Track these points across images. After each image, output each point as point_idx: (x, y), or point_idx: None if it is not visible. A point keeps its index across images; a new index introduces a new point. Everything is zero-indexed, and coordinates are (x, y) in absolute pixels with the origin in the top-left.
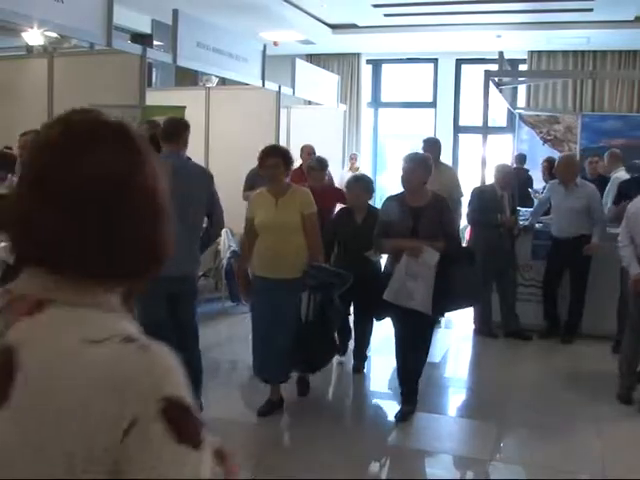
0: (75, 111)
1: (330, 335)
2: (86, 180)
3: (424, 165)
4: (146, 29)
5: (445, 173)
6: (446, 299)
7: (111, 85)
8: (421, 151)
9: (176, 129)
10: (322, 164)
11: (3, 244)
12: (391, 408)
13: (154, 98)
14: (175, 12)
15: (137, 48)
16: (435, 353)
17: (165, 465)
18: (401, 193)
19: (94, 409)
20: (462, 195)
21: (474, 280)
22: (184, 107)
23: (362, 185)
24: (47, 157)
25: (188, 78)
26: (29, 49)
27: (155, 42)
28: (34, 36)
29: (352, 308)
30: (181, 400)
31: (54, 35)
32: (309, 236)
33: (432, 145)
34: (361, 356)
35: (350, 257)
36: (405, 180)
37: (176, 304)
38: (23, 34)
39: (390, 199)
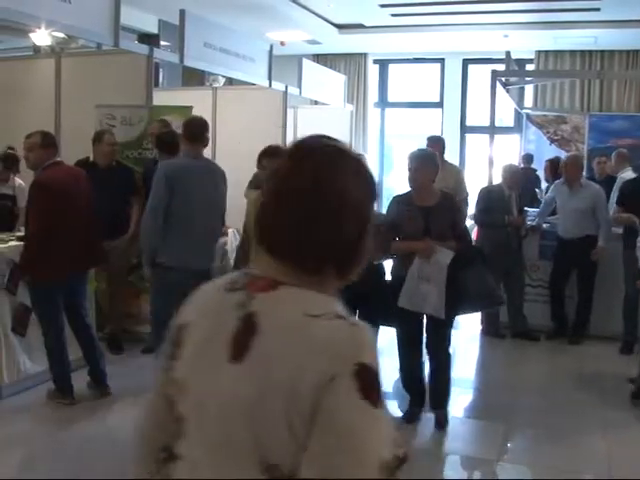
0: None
1: None
2: (335, 199)
3: (431, 162)
4: (153, 29)
5: (450, 172)
6: (461, 301)
7: (118, 85)
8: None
9: (201, 130)
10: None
11: (13, 243)
12: (399, 409)
13: (161, 98)
14: (182, 12)
15: (144, 48)
16: None
17: (348, 413)
18: (407, 192)
19: (308, 367)
20: (467, 195)
21: (489, 280)
22: (191, 107)
23: None
24: (309, 179)
25: (195, 78)
26: (37, 49)
27: (162, 42)
28: (42, 36)
29: (357, 315)
30: (372, 367)
31: (61, 35)
32: None
33: (436, 143)
34: None
35: None
36: (412, 179)
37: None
38: (31, 35)
39: (396, 199)
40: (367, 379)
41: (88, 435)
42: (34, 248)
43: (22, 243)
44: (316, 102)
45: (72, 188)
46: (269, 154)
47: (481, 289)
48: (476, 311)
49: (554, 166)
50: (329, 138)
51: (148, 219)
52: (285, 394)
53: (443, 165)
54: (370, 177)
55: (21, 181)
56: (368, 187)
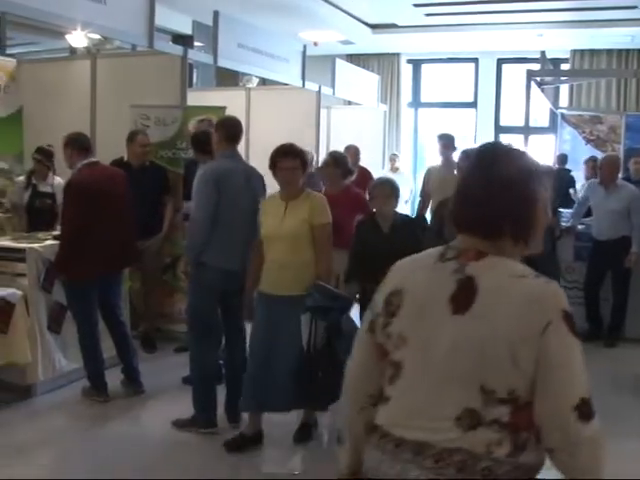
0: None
1: (338, 368)
2: (529, 193)
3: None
4: (187, 30)
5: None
6: None
7: (152, 86)
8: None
9: (237, 130)
10: (337, 161)
11: (49, 242)
12: None
13: (195, 98)
14: (216, 13)
15: (178, 49)
16: None
17: (568, 348)
18: None
19: (527, 316)
20: None
21: None
22: (224, 107)
23: (387, 189)
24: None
25: (228, 78)
26: (73, 51)
27: (196, 43)
28: (77, 38)
29: None
30: (569, 312)
31: (97, 37)
32: (318, 250)
33: (450, 141)
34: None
35: (375, 273)
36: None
37: (227, 300)
38: (67, 36)
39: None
40: (570, 320)
41: (121, 432)
42: (67, 248)
43: (57, 242)
44: (349, 102)
45: (107, 188)
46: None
47: None
48: None
49: (596, 165)
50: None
51: (200, 221)
52: (509, 338)
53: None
54: (540, 171)
55: (60, 179)
56: (539, 179)
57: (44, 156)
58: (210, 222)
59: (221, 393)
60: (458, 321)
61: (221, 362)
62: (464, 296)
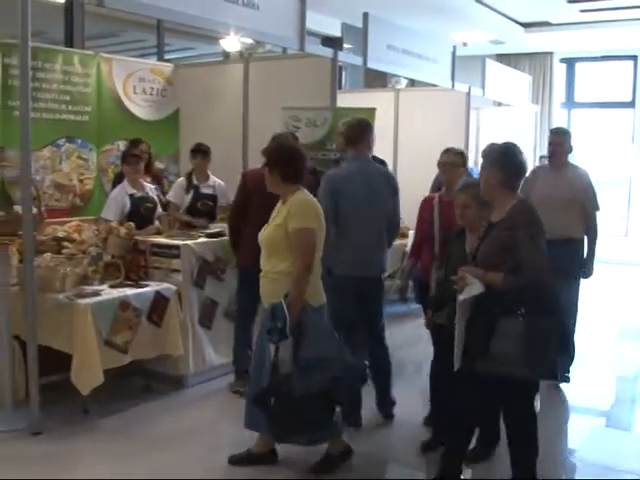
0: None
1: (293, 401)
2: None
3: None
4: (336, 32)
5: (578, 177)
6: (480, 354)
7: (303, 88)
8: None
9: (359, 132)
10: (463, 157)
11: (203, 240)
12: None
13: (344, 100)
14: (365, 15)
15: (328, 51)
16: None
17: None
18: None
19: None
20: (598, 209)
21: (537, 338)
22: (374, 109)
23: (471, 194)
24: None
25: (377, 80)
26: (226, 55)
27: (345, 45)
28: (231, 42)
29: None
30: None
31: (249, 41)
32: (294, 258)
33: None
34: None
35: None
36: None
37: (364, 304)
38: (221, 41)
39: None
40: None
41: None
42: (231, 236)
43: (210, 240)
44: (499, 103)
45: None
46: None
47: (517, 347)
48: (498, 374)
49: None
50: None
51: None
52: None
53: (568, 168)
54: None
55: (220, 180)
56: None
57: (204, 153)
58: (330, 231)
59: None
60: None
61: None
62: None
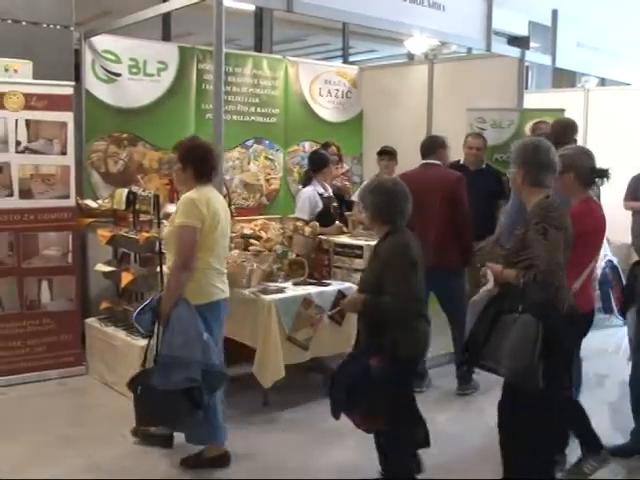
0: None
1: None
2: None
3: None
4: (522, 31)
5: None
6: (480, 351)
7: (487, 89)
8: None
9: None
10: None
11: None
12: None
13: (530, 101)
14: (554, 12)
15: (515, 51)
16: None
17: None
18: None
19: None
20: None
21: (521, 339)
22: (563, 110)
23: None
24: None
25: (565, 79)
26: (410, 57)
27: (531, 44)
28: (416, 44)
29: None
30: None
31: (434, 42)
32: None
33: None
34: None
35: None
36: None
37: None
38: (405, 43)
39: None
40: None
41: (438, 429)
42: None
43: None
44: None
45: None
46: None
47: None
48: (495, 371)
49: None
50: None
51: None
52: None
53: None
54: None
55: None
56: None
57: (390, 154)
58: None
59: None
60: None
61: None
62: None
